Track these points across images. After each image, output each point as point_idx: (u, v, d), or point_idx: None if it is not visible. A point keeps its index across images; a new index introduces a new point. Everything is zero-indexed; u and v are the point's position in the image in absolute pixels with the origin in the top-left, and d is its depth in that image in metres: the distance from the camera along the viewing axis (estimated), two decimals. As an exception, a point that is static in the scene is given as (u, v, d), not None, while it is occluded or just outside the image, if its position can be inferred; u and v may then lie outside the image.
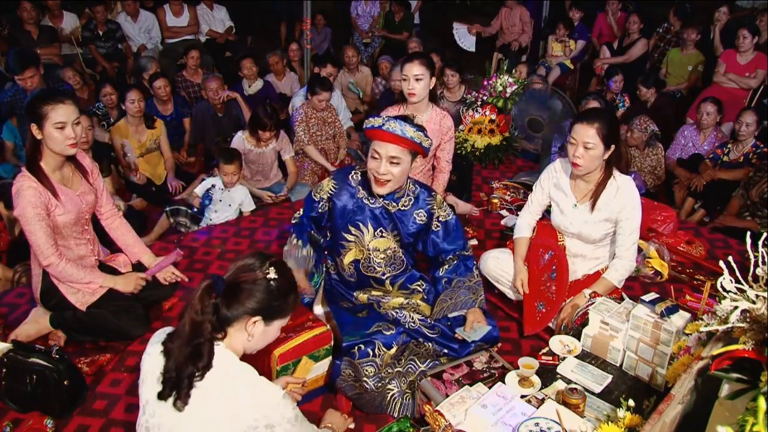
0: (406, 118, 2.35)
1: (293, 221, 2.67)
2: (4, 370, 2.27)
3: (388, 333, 2.36)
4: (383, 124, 2.28)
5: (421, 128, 2.34)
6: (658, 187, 4.76)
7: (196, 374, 1.53)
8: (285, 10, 8.01)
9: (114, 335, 2.67)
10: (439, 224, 2.54)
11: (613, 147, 2.54)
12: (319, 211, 2.52)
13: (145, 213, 4.33)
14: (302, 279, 2.51)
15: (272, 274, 1.61)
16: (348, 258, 2.54)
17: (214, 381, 1.54)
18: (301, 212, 2.61)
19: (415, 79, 3.18)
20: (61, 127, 2.39)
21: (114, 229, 2.85)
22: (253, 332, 1.62)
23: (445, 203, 2.58)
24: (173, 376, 1.54)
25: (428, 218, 2.52)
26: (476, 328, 2.44)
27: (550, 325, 2.68)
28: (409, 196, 2.50)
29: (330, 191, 2.49)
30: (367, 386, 2.24)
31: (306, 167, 4.71)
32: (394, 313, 2.47)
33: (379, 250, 2.51)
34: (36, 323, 2.69)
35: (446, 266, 2.57)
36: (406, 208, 2.49)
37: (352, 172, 2.52)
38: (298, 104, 5.04)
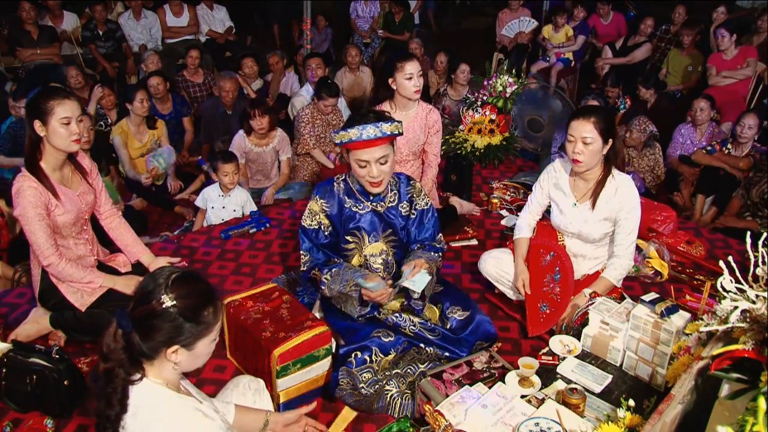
0: (377, 115, 2.32)
1: (302, 270, 2.49)
2: (4, 370, 2.27)
3: (387, 340, 2.33)
4: (361, 135, 2.24)
5: (390, 118, 2.32)
6: (658, 186, 4.75)
7: (116, 419, 1.46)
8: (278, 11, 7.99)
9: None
10: (415, 212, 2.54)
11: (611, 141, 2.54)
12: (326, 234, 2.45)
13: (144, 213, 4.33)
14: (378, 286, 2.35)
15: (168, 302, 1.43)
16: (353, 263, 2.51)
17: (141, 422, 1.46)
18: (307, 256, 2.45)
19: (419, 75, 3.20)
20: (67, 123, 2.40)
21: (113, 229, 2.85)
22: (176, 360, 1.49)
23: (424, 192, 2.58)
24: (100, 421, 1.48)
25: (410, 207, 2.53)
26: (417, 277, 2.35)
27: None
28: (393, 191, 2.50)
29: (324, 210, 2.44)
30: (364, 392, 2.23)
31: (306, 166, 4.71)
32: (394, 318, 2.45)
33: (375, 255, 2.51)
34: (36, 323, 2.69)
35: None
36: (393, 204, 2.50)
37: (334, 184, 2.48)
38: (299, 104, 5.05)
